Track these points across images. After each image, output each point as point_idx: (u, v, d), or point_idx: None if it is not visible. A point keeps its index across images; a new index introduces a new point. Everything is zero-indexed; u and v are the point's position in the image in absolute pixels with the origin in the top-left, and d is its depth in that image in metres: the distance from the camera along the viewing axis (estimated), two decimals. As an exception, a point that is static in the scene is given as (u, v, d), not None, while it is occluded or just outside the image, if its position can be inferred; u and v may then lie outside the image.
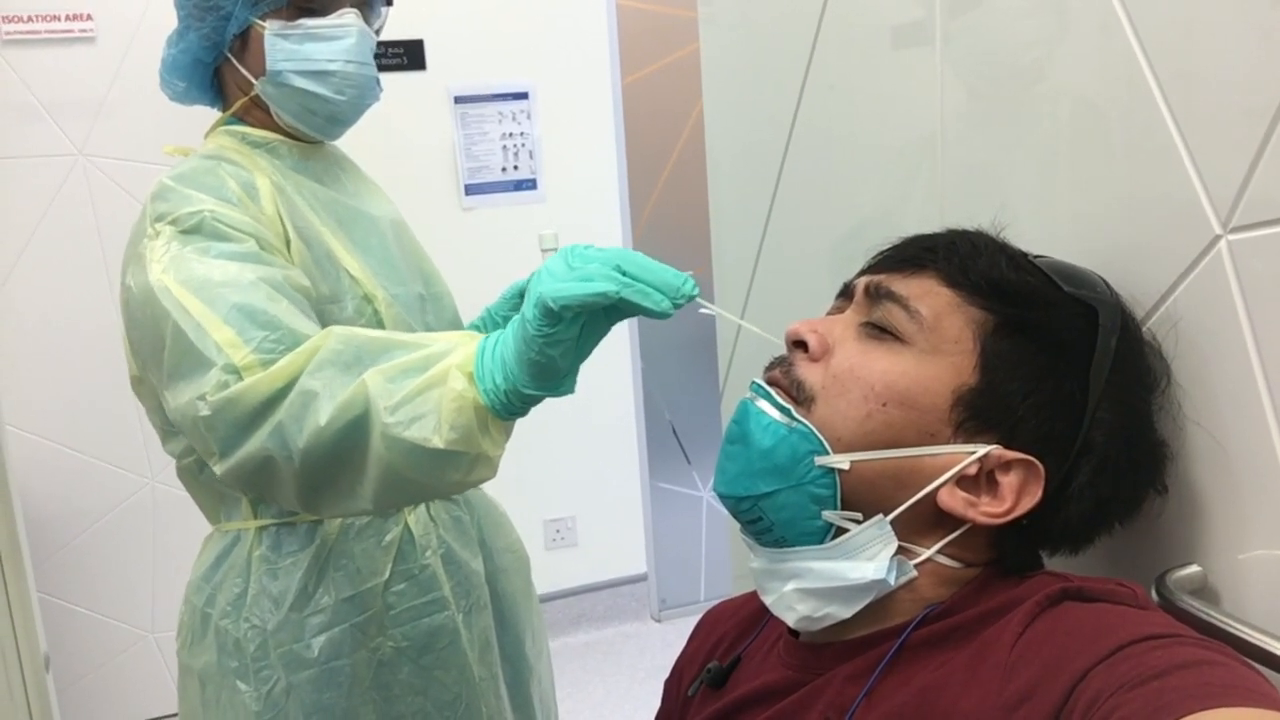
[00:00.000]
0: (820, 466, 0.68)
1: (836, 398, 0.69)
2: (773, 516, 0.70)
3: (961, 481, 0.68)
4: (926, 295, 0.70)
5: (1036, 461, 0.67)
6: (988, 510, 0.68)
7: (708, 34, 1.38)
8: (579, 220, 2.99)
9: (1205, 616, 0.65)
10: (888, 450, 0.68)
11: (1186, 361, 0.71)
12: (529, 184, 2.91)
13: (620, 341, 3.12)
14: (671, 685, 0.92)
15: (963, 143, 0.93)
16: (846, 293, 0.76)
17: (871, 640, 0.71)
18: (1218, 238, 0.68)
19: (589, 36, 2.94)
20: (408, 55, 2.75)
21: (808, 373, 0.71)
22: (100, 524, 2.72)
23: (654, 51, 3.01)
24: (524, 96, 2.86)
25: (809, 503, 0.69)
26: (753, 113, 1.30)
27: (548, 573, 3.14)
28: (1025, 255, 0.73)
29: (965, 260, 0.70)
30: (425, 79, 2.78)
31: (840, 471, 0.68)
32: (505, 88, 2.85)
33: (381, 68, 2.67)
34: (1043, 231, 0.82)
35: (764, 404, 0.71)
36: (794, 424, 0.69)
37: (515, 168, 2.89)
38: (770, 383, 0.73)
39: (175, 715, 2.99)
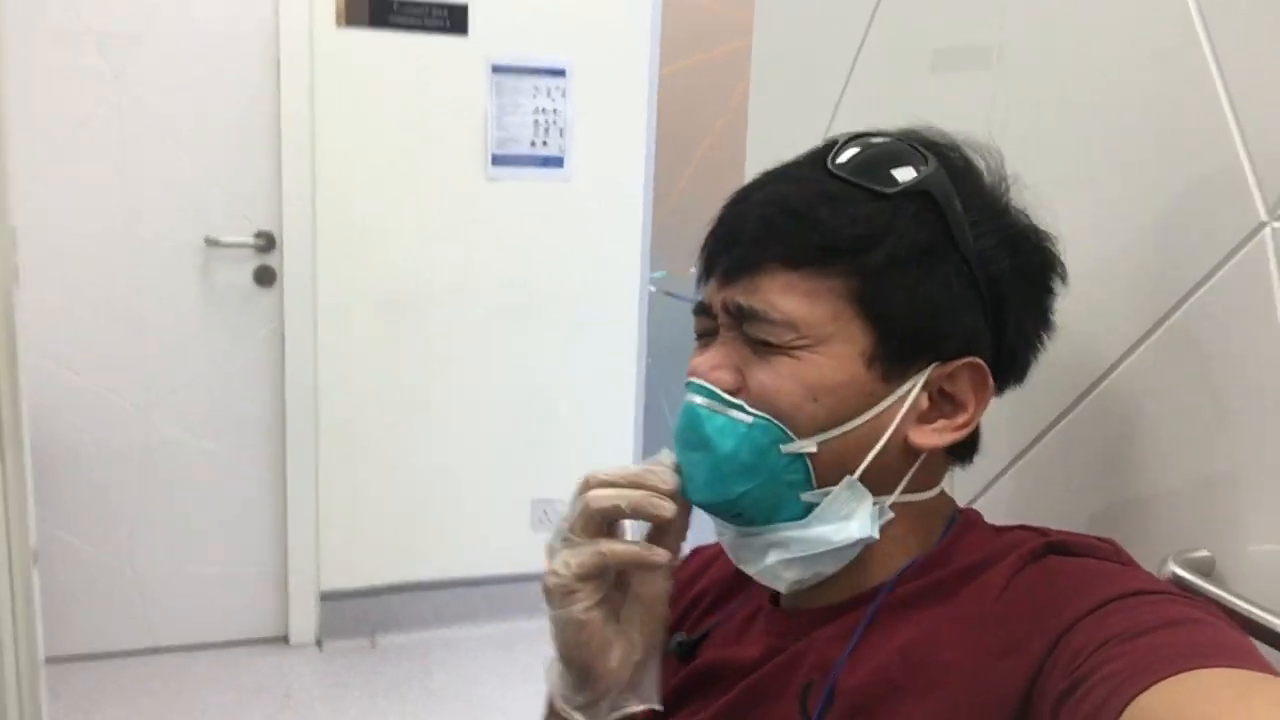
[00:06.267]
0: (788, 454, 0.68)
1: (770, 407, 0.68)
2: (753, 511, 0.70)
3: (922, 417, 0.69)
4: (780, 294, 0.67)
5: (975, 359, 0.68)
6: (960, 422, 0.69)
7: (762, 28, 1.37)
8: (601, 204, 2.99)
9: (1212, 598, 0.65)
10: (843, 426, 0.67)
11: (1221, 347, 0.71)
12: (556, 161, 2.90)
13: (628, 339, 3.10)
14: None
15: (1007, 137, 0.92)
16: (706, 311, 0.74)
17: (853, 602, 0.71)
18: (1262, 224, 0.67)
19: (633, 22, 2.93)
20: (451, 19, 2.75)
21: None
22: (89, 450, 2.71)
23: (694, 45, 3.02)
24: (561, 74, 2.86)
25: (785, 489, 0.68)
26: (793, 117, 1.29)
27: (533, 552, 3.14)
28: (831, 174, 0.68)
29: (792, 237, 0.68)
30: (465, 45, 2.78)
31: (809, 454, 0.68)
32: (544, 63, 2.85)
33: (424, 29, 2.71)
34: (1087, 213, 0.81)
35: (713, 404, 0.69)
36: (752, 418, 0.68)
37: (544, 143, 2.88)
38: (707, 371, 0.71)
39: (147, 651, 2.97)
